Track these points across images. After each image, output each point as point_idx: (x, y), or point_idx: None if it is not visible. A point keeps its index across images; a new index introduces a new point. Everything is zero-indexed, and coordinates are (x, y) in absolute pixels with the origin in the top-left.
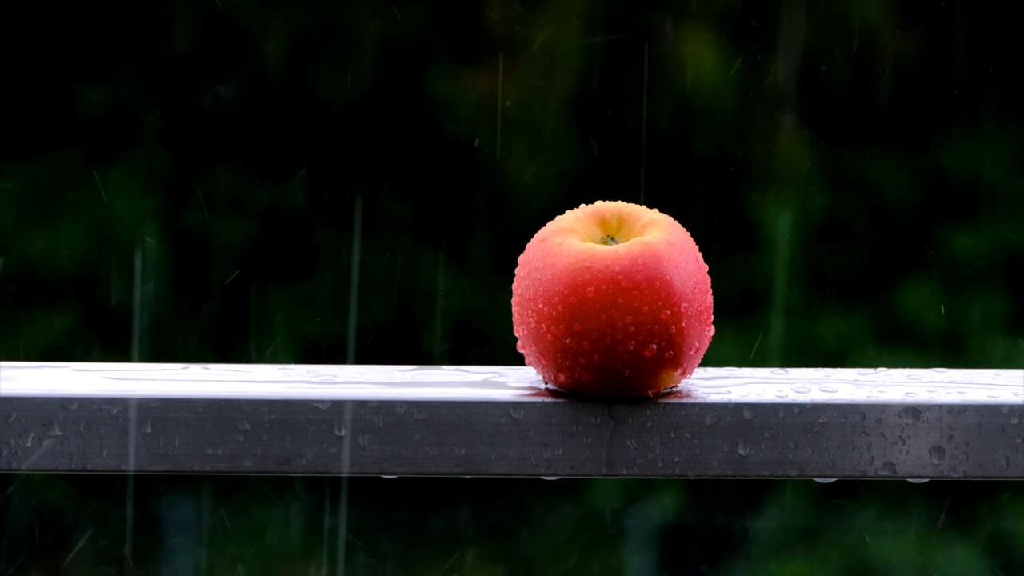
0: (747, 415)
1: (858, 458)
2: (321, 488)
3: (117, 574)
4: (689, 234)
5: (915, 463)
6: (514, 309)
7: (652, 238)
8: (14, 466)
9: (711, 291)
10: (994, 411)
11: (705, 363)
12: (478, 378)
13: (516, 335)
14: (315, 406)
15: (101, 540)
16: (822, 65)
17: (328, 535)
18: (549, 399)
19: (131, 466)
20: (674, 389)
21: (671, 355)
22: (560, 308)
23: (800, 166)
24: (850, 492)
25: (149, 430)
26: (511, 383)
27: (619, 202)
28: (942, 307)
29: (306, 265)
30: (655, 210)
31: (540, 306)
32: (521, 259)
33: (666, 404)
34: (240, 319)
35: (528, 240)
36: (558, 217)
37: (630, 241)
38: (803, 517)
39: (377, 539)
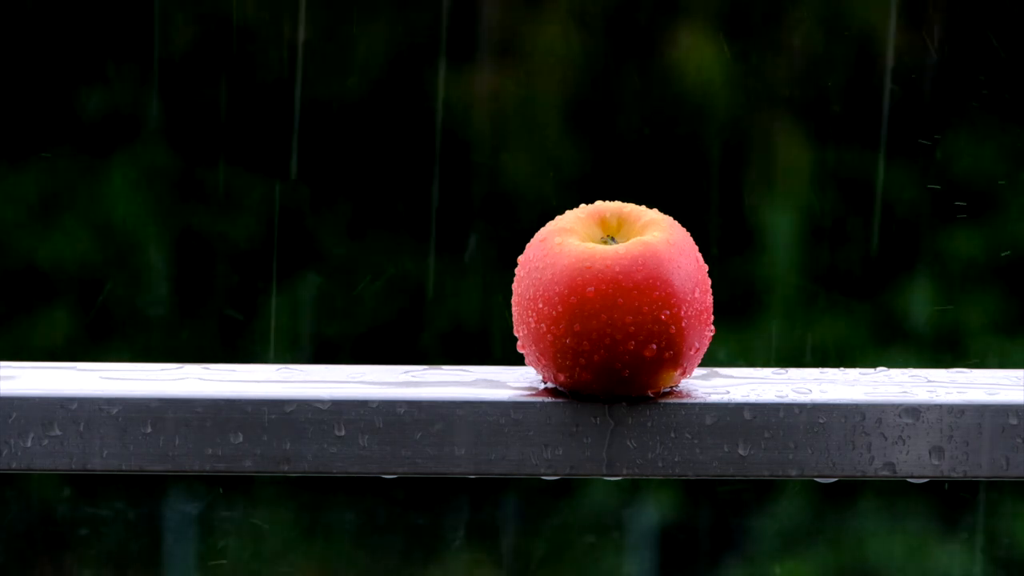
0: (747, 415)
1: (858, 458)
2: (321, 488)
3: (117, 574)
4: (689, 234)
5: (915, 463)
6: (514, 309)
7: (652, 238)
8: (14, 466)
9: (711, 291)
10: (994, 411)
11: (705, 363)
12: (478, 378)
13: (516, 335)
14: (315, 406)
15: (101, 540)
16: (822, 65)
17: (328, 535)
18: (549, 399)
19: (131, 466)
20: (674, 389)
21: (671, 355)
22: (560, 308)
23: (800, 166)
24: (850, 492)
25: (149, 430)
26: (511, 383)
27: (619, 202)
28: (941, 307)
29: (306, 265)
30: (655, 210)
31: (540, 306)
32: (521, 259)
33: (666, 404)
34: (240, 319)
35: (527, 240)
36: (558, 217)
37: (630, 241)
38: (803, 517)
39: (377, 539)
